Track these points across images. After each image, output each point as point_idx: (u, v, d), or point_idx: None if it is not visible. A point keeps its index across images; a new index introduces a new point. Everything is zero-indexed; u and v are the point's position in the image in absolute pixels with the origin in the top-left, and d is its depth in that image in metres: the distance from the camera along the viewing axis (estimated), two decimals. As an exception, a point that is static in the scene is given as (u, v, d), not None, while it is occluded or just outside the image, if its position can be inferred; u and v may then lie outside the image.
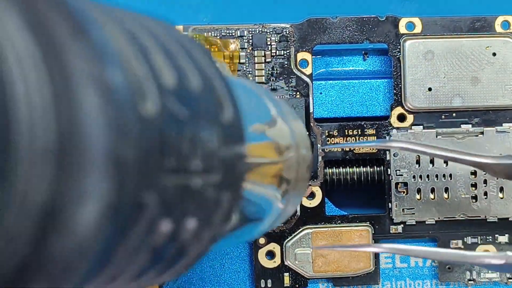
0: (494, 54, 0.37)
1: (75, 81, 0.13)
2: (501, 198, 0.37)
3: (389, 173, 0.37)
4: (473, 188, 0.37)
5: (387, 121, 0.37)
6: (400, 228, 0.37)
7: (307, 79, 0.37)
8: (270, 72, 0.37)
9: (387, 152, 0.37)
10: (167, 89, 0.17)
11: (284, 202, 0.26)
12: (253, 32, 0.37)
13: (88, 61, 0.14)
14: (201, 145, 0.17)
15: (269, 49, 0.37)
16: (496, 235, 0.37)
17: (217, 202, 0.18)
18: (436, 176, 0.37)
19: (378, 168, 0.37)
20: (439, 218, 0.37)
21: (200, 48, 0.19)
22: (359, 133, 0.37)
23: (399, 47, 0.37)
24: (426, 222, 0.37)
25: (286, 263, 0.37)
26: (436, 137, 0.37)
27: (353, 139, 0.37)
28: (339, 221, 0.37)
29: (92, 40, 0.14)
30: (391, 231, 0.37)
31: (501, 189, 0.37)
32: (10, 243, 0.13)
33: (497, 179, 0.37)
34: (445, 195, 0.37)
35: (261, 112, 0.25)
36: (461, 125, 0.37)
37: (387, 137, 0.37)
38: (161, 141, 0.16)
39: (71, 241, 0.14)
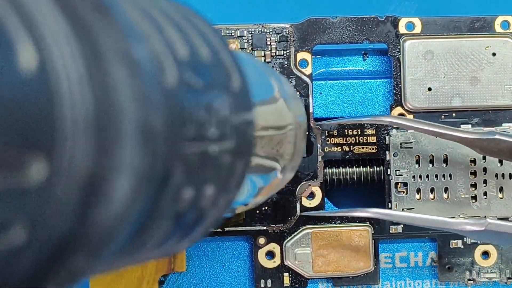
0: (493, 54, 0.37)
1: (106, 57, 0.14)
2: (501, 198, 0.37)
3: (388, 173, 0.37)
4: (473, 188, 0.37)
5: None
6: (399, 228, 0.37)
7: (307, 79, 0.37)
8: (270, 72, 0.37)
9: (387, 152, 0.37)
10: (182, 61, 0.17)
11: (283, 172, 0.27)
12: (253, 32, 0.37)
13: (115, 37, 0.14)
14: (215, 113, 0.18)
15: (269, 49, 0.37)
16: (495, 235, 0.37)
17: (231, 168, 0.19)
18: (436, 176, 0.37)
19: (377, 168, 0.37)
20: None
21: (207, 23, 0.20)
22: (359, 133, 0.37)
23: (398, 47, 0.37)
24: (426, 222, 0.37)
25: (286, 263, 0.37)
26: (436, 137, 0.37)
27: (353, 139, 0.37)
28: (339, 221, 0.37)
29: (115, 17, 0.15)
30: (390, 231, 0.37)
31: (501, 189, 0.37)
32: (58, 214, 0.13)
33: (497, 178, 0.37)
34: (445, 195, 0.37)
35: (265, 84, 0.26)
36: (461, 125, 0.37)
37: (387, 137, 0.37)
38: (182, 110, 0.17)
39: (110, 210, 0.14)
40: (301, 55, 0.37)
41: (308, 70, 0.37)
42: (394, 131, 0.37)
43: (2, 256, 0.13)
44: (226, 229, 0.37)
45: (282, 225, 0.37)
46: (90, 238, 0.14)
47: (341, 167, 0.37)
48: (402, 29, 0.37)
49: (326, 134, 0.37)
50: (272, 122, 0.25)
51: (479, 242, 0.37)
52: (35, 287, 0.14)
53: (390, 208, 0.37)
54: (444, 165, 0.37)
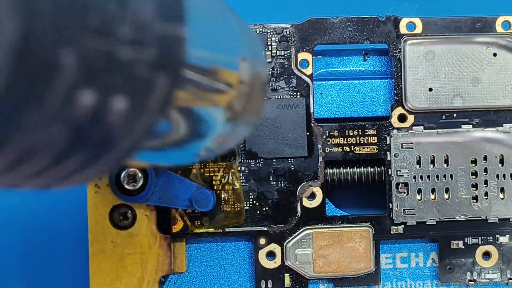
0: (494, 55, 0.37)
1: None
2: (502, 198, 0.37)
3: (389, 173, 0.37)
4: (474, 189, 0.37)
5: (387, 122, 0.37)
6: (400, 228, 0.37)
7: (308, 80, 0.37)
8: (270, 72, 0.37)
9: (388, 152, 0.37)
10: None
11: (232, 123, 0.24)
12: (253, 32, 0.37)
13: None
14: (131, 10, 0.16)
15: (270, 49, 0.37)
16: (497, 236, 0.37)
17: (150, 84, 0.16)
18: (437, 176, 0.37)
19: (378, 169, 0.37)
20: (439, 218, 0.37)
21: None
22: (360, 133, 0.37)
23: (399, 47, 0.37)
24: (427, 223, 0.37)
25: (286, 263, 0.37)
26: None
27: (353, 140, 0.37)
28: (340, 222, 0.37)
29: None
30: (391, 232, 0.37)
31: (502, 190, 0.37)
32: None
33: (498, 179, 0.37)
34: (446, 196, 0.37)
35: (220, 22, 0.23)
36: (462, 126, 0.37)
37: (388, 138, 0.37)
38: None
39: None
40: (302, 55, 0.37)
41: (308, 70, 0.37)
42: (395, 131, 0.37)
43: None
44: (227, 229, 0.37)
45: (282, 225, 0.37)
46: None
47: (342, 168, 0.37)
48: (403, 29, 0.37)
49: (327, 135, 0.37)
50: (218, 57, 0.22)
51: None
52: None
53: (391, 209, 0.37)
54: (445, 165, 0.37)
